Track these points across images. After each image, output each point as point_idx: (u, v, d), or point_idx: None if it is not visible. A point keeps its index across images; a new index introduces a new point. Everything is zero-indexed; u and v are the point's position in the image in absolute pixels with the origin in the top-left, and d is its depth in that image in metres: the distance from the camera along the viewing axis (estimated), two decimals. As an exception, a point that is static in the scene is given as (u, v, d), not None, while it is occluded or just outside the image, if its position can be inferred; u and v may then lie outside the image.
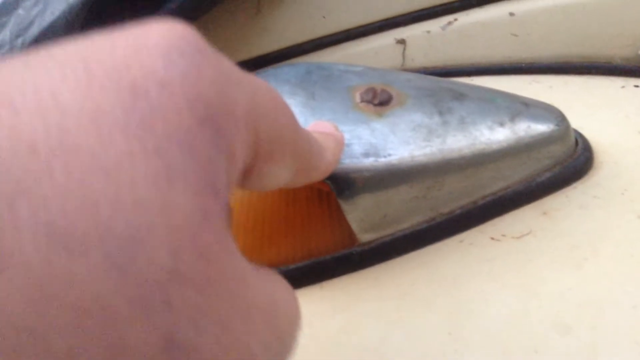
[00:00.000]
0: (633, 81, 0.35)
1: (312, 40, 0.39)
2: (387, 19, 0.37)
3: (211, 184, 0.12)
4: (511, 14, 0.35)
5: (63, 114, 0.10)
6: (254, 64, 0.40)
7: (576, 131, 0.30)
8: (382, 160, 0.25)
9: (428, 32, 0.37)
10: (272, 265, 0.27)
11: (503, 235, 0.27)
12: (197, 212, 0.11)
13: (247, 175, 0.15)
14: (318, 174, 0.19)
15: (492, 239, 0.27)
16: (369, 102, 0.26)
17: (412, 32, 0.37)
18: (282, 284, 0.15)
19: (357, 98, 0.27)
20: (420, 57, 0.37)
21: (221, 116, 0.12)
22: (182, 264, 0.10)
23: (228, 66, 0.13)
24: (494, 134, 0.26)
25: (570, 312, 0.24)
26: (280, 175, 0.16)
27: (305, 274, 0.27)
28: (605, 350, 0.23)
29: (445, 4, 0.36)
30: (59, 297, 0.09)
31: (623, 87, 0.34)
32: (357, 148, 0.25)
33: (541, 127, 0.27)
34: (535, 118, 0.27)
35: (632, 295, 0.24)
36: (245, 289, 0.12)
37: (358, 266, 0.27)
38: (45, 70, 0.11)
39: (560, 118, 0.28)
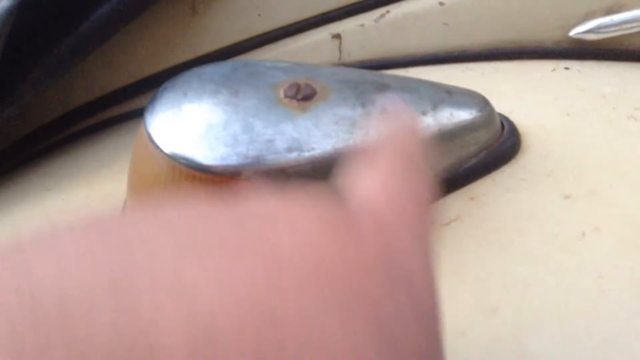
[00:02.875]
0: (564, 63, 0.35)
1: (250, 39, 0.39)
2: (321, 14, 0.37)
3: None
4: (441, 4, 0.36)
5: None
6: (193, 65, 0.40)
7: (503, 116, 0.31)
8: (306, 155, 0.25)
9: (362, 25, 0.37)
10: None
11: (431, 223, 0.27)
12: None
13: None
14: None
15: (422, 226, 0.27)
16: (293, 97, 0.27)
17: (346, 26, 0.38)
18: None
19: (281, 94, 0.27)
20: (356, 50, 0.38)
21: None
22: None
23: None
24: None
25: (496, 293, 0.24)
26: None
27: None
28: (530, 328, 0.23)
29: (376, -4, 0.37)
30: None
31: (554, 69, 0.35)
32: (280, 144, 0.25)
33: (464, 114, 0.27)
34: (458, 105, 0.27)
35: (556, 275, 0.25)
36: None
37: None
38: None
39: (483, 104, 0.28)
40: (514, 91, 0.34)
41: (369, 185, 0.15)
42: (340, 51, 0.38)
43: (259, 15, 0.38)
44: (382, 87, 0.27)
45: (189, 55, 0.40)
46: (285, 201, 0.13)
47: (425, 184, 0.16)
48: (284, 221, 0.12)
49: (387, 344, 0.11)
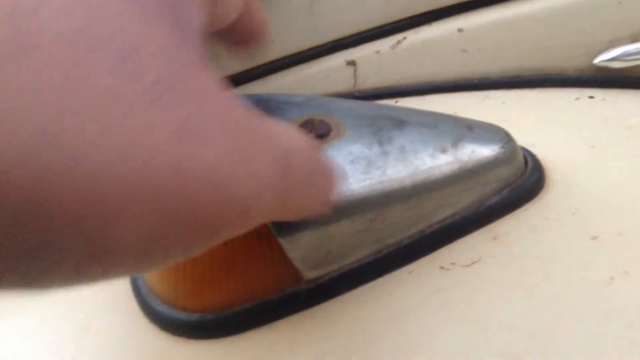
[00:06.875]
0: (587, 92, 0.34)
1: (263, 65, 0.38)
2: (336, 41, 0.37)
3: (183, 22, 0.14)
4: (460, 30, 0.35)
5: None
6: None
7: (526, 150, 0.29)
8: (320, 197, 0.24)
9: (378, 52, 0.36)
10: (215, 308, 0.26)
11: (452, 264, 0.26)
12: (174, 41, 0.13)
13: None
14: None
15: (442, 268, 0.26)
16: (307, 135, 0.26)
17: (362, 52, 0.37)
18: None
19: (295, 131, 0.26)
20: (372, 77, 0.37)
21: None
22: (171, 73, 0.12)
23: None
24: (436, 162, 0.25)
25: (521, 342, 0.23)
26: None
27: (251, 316, 0.26)
28: (557, 381, 0.22)
29: (393, 23, 0.36)
30: (84, 85, 0.11)
31: (577, 99, 0.34)
32: (294, 185, 0.24)
33: (485, 151, 0.26)
34: (480, 141, 0.26)
35: (583, 323, 0.23)
36: (226, 98, 0.14)
37: (306, 304, 0.26)
38: None
39: (506, 139, 0.27)
40: (537, 122, 0.32)
41: None
42: (355, 78, 0.37)
43: (272, 41, 0.37)
44: (400, 123, 0.26)
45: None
46: None
47: None
48: None
49: None
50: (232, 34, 0.22)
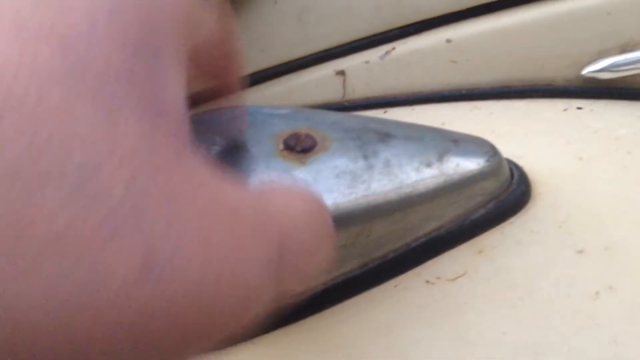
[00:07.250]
0: (576, 103, 0.34)
1: (252, 74, 0.38)
2: (325, 50, 0.37)
3: (155, 104, 0.12)
4: (448, 41, 0.35)
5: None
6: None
7: (512, 162, 0.29)
8: (305, 211, 0.24)
9: (367, 62, 0.36)
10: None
11: (438, 278, 0.26)
12: (144, 137, 0.11)
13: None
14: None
15: (427, 282, 0.26)
16: (292, 149, 0.26)
17: (351, 62, 0.37)
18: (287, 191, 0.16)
19: (280, 145, 0.26)
20: (361, 87, 0.37)
21: (153, 33, 0.13)
22: (137, 187, 0.11)
23: None
24: (421, 176, 0.25)
25: (505, 358, 0.23)
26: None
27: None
28: (542, 397, 0.22)
29: (382, 33, 0.36)
30: (27, 234, 0.09)
31: (565, 110, 0.34)
32: (278, 199, 0.24)
33: (471, 165, 0.26)
34: (465, 155, 0.26)
35: (568, 338, 0.23)
36: (208, 193, 0.12)
37: (290, 320, 0.26)
38: None
39: (491, 153, 0.27)
40: (524, 133, 0.32)
41: None
42: (344, 88, 0.37)
43: (262, 51, 0.37)
44: (385, 137, 0.26)
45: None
46: None
47: None
48: None
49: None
50: (201, 62, 0.20)
